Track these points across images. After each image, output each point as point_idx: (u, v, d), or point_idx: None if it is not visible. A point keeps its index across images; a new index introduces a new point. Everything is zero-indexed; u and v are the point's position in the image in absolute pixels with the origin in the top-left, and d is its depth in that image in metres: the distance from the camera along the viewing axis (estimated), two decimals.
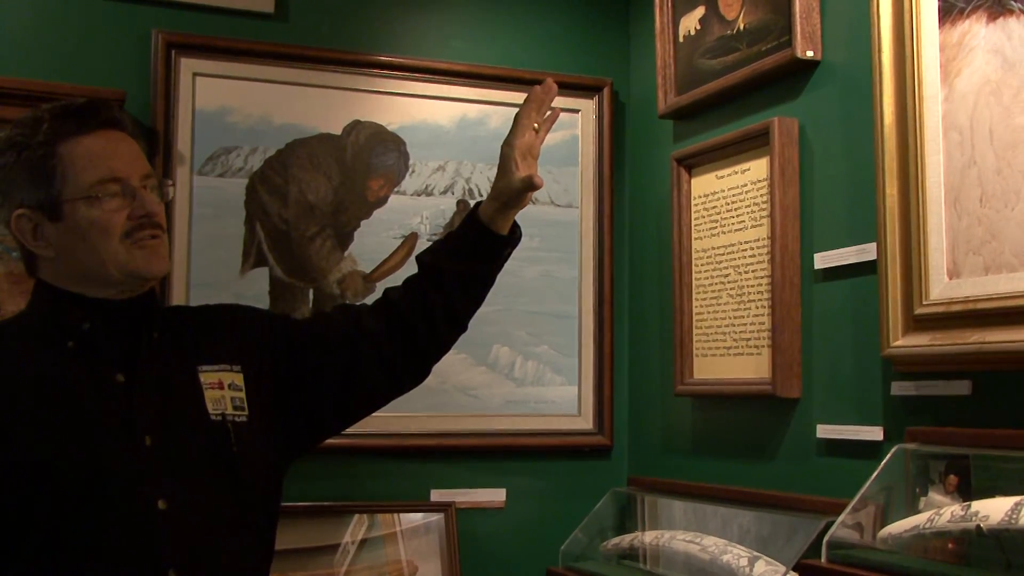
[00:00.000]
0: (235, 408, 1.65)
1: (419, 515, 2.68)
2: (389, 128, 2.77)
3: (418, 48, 2.81)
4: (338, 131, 2.73)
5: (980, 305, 1.78)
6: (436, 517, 2.68)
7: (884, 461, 1.90)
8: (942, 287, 1.87)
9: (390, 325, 1.78)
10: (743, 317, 2.40)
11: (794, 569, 1.97)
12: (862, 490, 1.88)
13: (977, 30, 1.82)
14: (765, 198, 2.34)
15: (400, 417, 2.63)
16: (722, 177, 2.50)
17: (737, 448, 2.46)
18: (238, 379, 1.68)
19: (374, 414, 1.87)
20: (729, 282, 2.45)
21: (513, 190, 1.74)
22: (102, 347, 1.59)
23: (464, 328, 1.85)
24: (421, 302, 1.78)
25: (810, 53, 2.24)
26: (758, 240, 2.36)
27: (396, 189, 2.77)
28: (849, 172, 2.15)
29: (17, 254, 2.18)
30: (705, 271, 2.54)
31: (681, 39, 2.65)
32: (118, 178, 1.58)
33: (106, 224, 1.56)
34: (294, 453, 1.77)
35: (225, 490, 1.61)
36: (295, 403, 1.74)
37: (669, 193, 2.66)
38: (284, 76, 2.68)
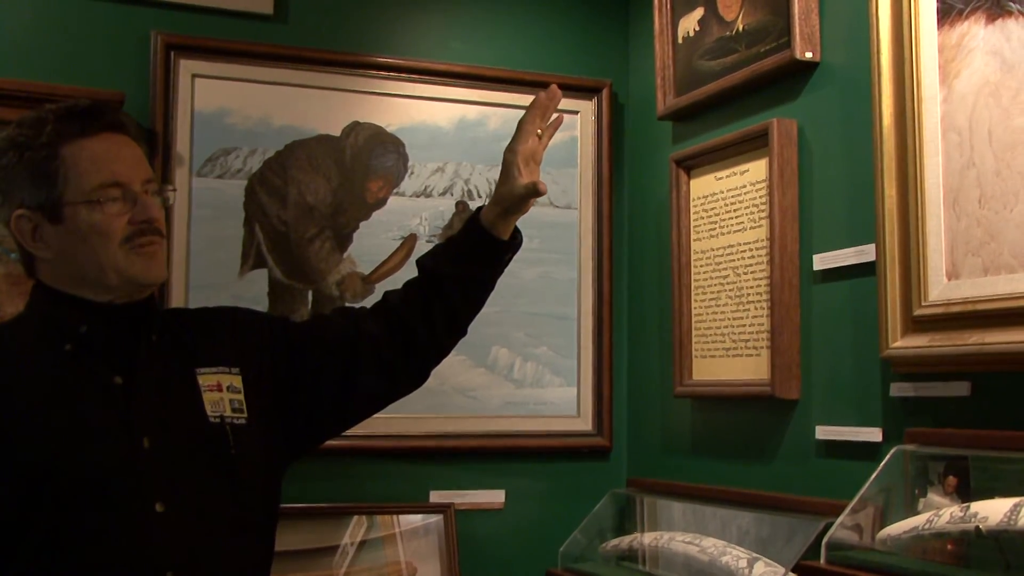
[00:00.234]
0: (234, 410, 1.65)
1: (418, 516, 2.68)
2: (388, 129, 2.77)
3: (417, 49, 2.81)
4: (337, 132, 2.73)
5: (979, 306, 1.79)
6: (435, 518, 2.68)
7: (883, 462, 1.90)
8: (941, 288, 1.87)
9: (390, 328, 1.78)
10: (742, 318, 2.40)
11: (793, 570, 1.97)
12: (861, 491, 1.88)
13: (976, 31, 1.83)
14: (764, 199, 2.34)
15: (399, 418, 2.63)
16: (721, 178, 2.50)
17: (736, 449, 2.46)
18: (237, 381, 1.68)
19: (372, 416, 1.86)
20: (728, 283, 2.45)
21: (516, 196, 1.73)
22: (100, 350, 1.58)
23: (464, 332, 1.85)
24: (421, 306, 1.78)
25: (809, 54, 2.24)
26: (757, 241, 2.36)
27: (395, 190, 2.77)
28: (848, 173, 2.15)
29: (16, 256, 2.18)
30: (704, 272, 2.54)
31: (680, 40, 2.65)
32: (120, 183, 1.58)
33: (106, 228, 1.56)
34: (293, 455, 1.77)
35: (224, 492, 1.61)
36: (294, 405, 1.74)
37: (668, 194, 2.66)
38: (283, 77, 2.68)
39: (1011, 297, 1.73)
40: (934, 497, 1.81)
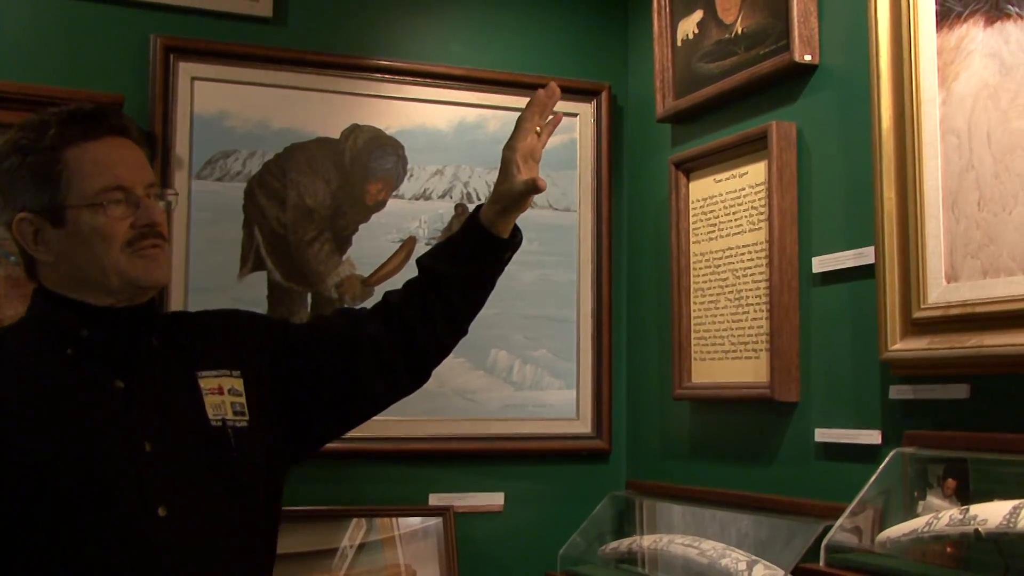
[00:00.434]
0: (235, 413, 1.65)
1: (417, 519, 2.67)
2: (387, 132, 2.77)
3: (416, 52, 2.81)
4: (336, 135, 2.73)
5: (978, 309, 1.79)
6: (434, 521, 2.68)
7: (882, 465, 1.90)
8: (940, 291, 1.87)
9: (390, 328, 1.78)
10: (741, 321, 2.40)
11: (792, 573, 1.97)
12: (860, 494, 1.88)
13: (975, 34, 1.83)
14: (763, 202, 2.34)
15: (398, 421, 2.63)
16: (720, 181, 2.50)
17: (735, 452, 2.46)
18: (238, 384, 1.68)
19: (373, 418, 1.86)
20: (727, 286, 2.46)
21: (515, 193, 1.73)
22: (101, 354, 1.58)
23: (464, 332, 1.85)
24: (421, 305, 1.78)
25: (808, 57, 2.24)
26: (756, 244, 2.37)
27: (394, 193, 2.77)
28: (847, 176, 2.16)
29: (15, 259, 2.18)
30: (703, 275, 2.54)
31: (679, 43, 2.65)
32: (123, 186, 1.58)
33: (109, 232, 1.56)
34: (295, 457, 1.77)
35: (226, 496, 1.60)
36: (295, 407, 1.74)
37: (667, 197, 2.66)
38: (282, 80, 2.68)
39: (1010, 300, 1.73)
40: (933, 500, 1.81)
